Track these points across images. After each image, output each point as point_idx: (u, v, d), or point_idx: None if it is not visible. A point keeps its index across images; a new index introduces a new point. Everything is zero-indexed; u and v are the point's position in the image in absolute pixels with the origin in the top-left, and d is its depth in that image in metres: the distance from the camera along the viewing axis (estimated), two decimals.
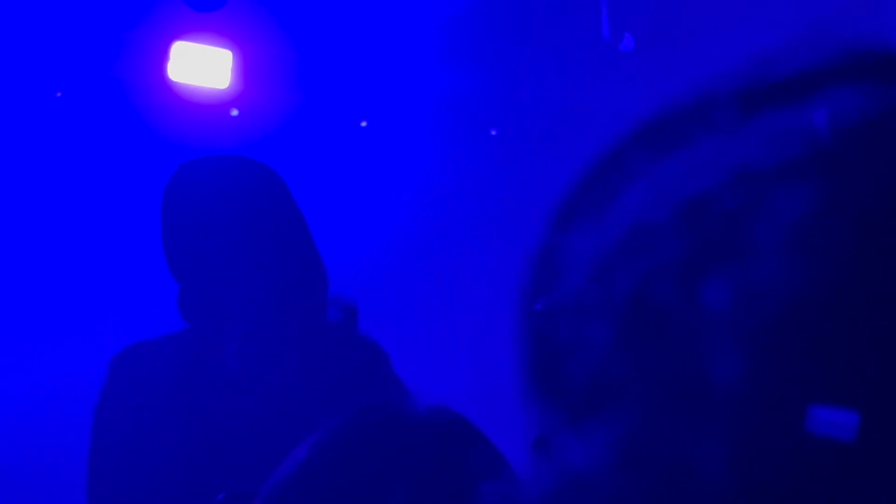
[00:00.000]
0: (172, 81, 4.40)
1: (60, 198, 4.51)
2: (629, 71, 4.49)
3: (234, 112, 4.63)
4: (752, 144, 0.51)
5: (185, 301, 2.12)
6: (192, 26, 4.39)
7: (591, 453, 0.50)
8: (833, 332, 0.46)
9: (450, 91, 4.88)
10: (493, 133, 5.09)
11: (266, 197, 2.15)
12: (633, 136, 0.57)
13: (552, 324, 0.54)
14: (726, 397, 0.47)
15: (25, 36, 4.23)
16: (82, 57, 4.37)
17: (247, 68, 4.52)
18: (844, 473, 0.46)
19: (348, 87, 4.79)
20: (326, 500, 1.01)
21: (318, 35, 4.63)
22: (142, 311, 4.44)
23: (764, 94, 0.54)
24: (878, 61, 0.53)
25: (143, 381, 2.07)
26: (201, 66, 4.42)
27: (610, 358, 0.50)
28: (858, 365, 0.46)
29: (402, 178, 4.79)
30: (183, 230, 2.13)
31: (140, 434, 2.01)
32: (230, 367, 2.02)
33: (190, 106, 4.49)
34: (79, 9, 4.28)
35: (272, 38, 4.58)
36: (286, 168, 2.44)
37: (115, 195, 4.55)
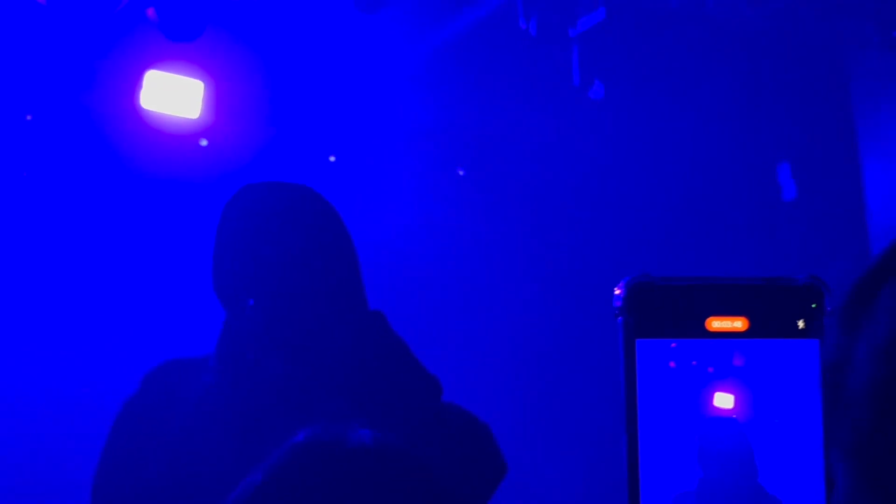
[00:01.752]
0: (143, 110, 4.40)
1: (28, 219, 4.49)
2: (598, 117, 4.55)
3: (204, 142, 4.64)
4: None
5: (228, 324, 2.12)
6: (165, 55, 4.40)
7: None
8: None
9: (420, 129, 4.92)
10: (461, 173, 5.13)
11: (322, 229, 2.15)
12: None
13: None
14: None
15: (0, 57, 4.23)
16: (56, 81, 4.37)
17: (218, 99, 4.53)
18: None
19: (318, 122, 4.81)
20: None
21: (290, 70, 4.66)
22: (108, 333, 4.43)
23: None
24: None
25: (166, 397, 2.08)
26: (173, 96, 4.42)
27: None
28: None
29: (368, 215, 4.82)
30: (233, 252, 2.12)
31: (149, 448, 2.03)
32: (247, 392, 2.04)
33: (159, 135, 4.50)
34: (55, 33, 4.28)
35: (245, 70, 4.60)
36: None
37: (82, 219, 4.55)
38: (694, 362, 0.74)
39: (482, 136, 4.97)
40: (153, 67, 4.39)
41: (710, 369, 0.74)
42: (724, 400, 0.73)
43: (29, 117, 4.44)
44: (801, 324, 0.74)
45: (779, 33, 3.91)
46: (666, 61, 4.17)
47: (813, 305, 0.74)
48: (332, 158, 4.93)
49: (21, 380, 4.39)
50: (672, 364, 0.73)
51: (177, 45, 4.40)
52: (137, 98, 4.39)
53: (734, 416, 0.74)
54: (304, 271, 2.09)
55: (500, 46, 4.53)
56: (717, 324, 0.74)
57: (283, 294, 2.07)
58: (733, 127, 4.16)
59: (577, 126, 4.67)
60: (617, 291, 0.75)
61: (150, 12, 4.19)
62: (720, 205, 4.66)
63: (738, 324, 0.74)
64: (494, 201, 5.07)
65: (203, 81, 4.46)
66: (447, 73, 4.78)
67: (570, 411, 4.68)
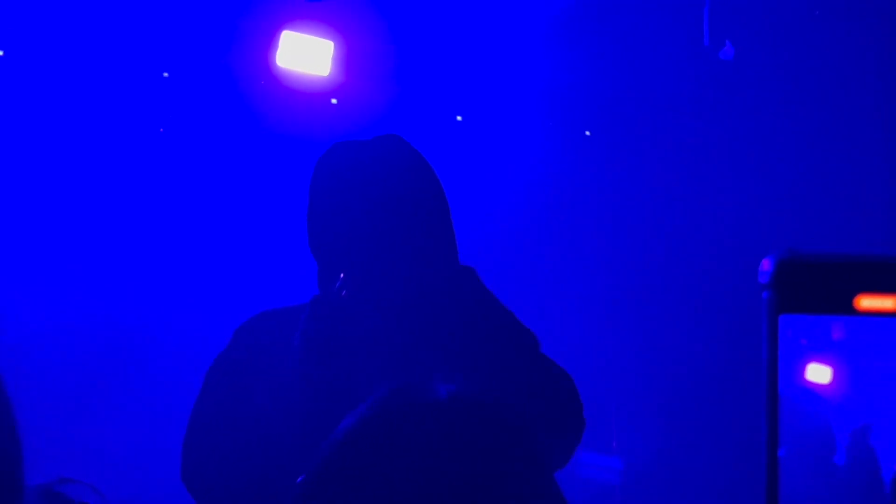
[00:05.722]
0: (277, 68, 4.49)
1: (164, 173, 4.64)
2: (727, 78, 4.48)
3: (334, 101, 4.72)
4: None
5: (322, 278, 2.13)
6: (296, 14, 4.48)
7: None
8: None
9: (546, 89, 4.91)
10: (588, 133, 5.12)
11: (415, 185, 2.14)
12: None
13: None
14: None
15: (137, 17, 4.36)
16: (191, 39, 4.49)
17: (348, 58, 4.59)
18: None
19: (445, 81, 4.85)
20: (358, 480, 1.11)
21: (418, 28, 4.69)
22: (241, 289, 4.55)
23: None
24: None
25: (255, 350, 2.11)
26: (304, 55, 4.50)
27: None
28: None
29: (494, 174, 4.84)
30: (327, 208, 2.12)
31: (237, 404, 2.05)
32: (334, 356, 2.05)
33: (291, 93, 4.59)
34: None
35: (374, 30, 4.65)
36: None
37: (217, 174, 4.68)
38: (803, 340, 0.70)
39: (609, 97, 4.94)
40: (287, 27, 4.48)
41: (804, 341, 0.70)
42: (818, 373, 0.70)
43: (166, 74, 4.57)
44: None
45: None
46: (800, 21, 4.08)
47: None
48: (459, 118, 4.97)
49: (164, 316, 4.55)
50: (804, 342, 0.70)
51: (309, 5, 4.47)
52: (272, 57, 4.48)
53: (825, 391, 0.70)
54: (393, 226, 2.07)
55: (628, 5, 4.50)
56: (866, 302, 0.70)
57: (373, 251, 2.07)
58: (875, 92, 4.04)
59: (706, 87, 4.60)
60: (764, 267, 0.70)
61: None
62: (860, 176, 4.52)
63: (888, 303, 0.69)
64: (621, 163, 5.04)
65: (333, 41, 4.53)
66: (575, 34, 4.76)
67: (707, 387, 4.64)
